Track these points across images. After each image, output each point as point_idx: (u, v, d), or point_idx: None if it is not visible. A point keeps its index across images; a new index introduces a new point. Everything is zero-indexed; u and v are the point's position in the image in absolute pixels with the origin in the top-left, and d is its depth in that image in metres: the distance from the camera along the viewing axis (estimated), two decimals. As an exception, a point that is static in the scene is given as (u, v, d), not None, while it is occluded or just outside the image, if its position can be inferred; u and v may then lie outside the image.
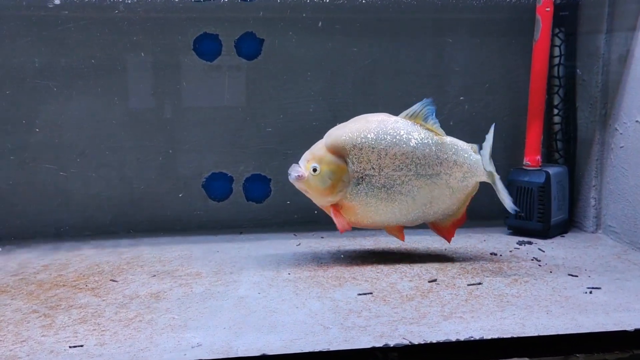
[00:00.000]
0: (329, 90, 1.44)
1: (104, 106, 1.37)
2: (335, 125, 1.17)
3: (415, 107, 1.16)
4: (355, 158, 1.13)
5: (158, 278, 1.11)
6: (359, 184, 1.13)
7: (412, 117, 1.16)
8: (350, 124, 1.15)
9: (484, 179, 1.17)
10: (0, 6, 1.30)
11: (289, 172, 1.13)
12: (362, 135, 1.12)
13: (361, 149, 1.12)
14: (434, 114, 1.16)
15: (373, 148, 1.12)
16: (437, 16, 1.44)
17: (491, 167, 1.16)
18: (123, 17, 1.34)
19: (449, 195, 1.18)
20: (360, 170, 1.13)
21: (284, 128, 1.43)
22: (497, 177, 1.16)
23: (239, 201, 1.45)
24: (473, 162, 1.17)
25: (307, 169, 1.13)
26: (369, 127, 1.13)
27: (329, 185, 1.13)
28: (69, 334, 0.87)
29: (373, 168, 1.13)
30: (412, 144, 1.14)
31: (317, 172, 1.12)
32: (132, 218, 1.41)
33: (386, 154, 1.13)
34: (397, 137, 1.13)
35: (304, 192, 1.16)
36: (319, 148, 1.14)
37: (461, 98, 1.46)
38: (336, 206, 1.16)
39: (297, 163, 1.15)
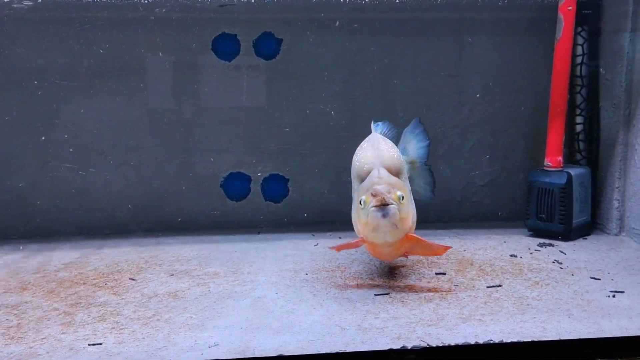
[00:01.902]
0: (347, 90, 1.43)
1: (123, 106, 1.38)
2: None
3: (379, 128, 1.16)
4: (403, 173, 1.08)
5: (176, 277, 1.11)
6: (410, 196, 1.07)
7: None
8: (380, 145, 1.07)
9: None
10: (23, 7, 1.32)
11: (381, 217, 0.96)
12: (396, 150, 1.10)
13: (402, 163, 1.09)
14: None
15: (403, 159, 1.11)
16: (456, 15, 1.43)
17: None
18: (142, 18, 1.35)
19: None
20: (407, 183, 1.09)
21: (302, 128, 1.43)
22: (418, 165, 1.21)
23: (257, 201, 1.45)
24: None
25: (396, 201, 0.97)
26: (388, 143, 1.10)
27: (412, 205, 1.03)
28: (88, 332, 0.88)
29: (407, 178, 1.11)
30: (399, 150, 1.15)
31: (404, 199, 0.99)
32: (151, 217, 1.42)
33: (404, 162, 1.12)
34: (396, 146, 1.14)
35: (390, 235, 0.98)
36: (386, 175, 1.00)
37: (477, 96, 1.45)
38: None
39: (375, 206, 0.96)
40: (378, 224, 0.97)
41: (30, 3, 1.31)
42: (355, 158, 1.10)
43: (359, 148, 1.12)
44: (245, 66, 1.40)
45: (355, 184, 1.09)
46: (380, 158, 1.04)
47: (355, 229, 1.11)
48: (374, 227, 0.97)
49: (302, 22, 1.40)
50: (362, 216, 0.99)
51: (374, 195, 0.97)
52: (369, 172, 1.02)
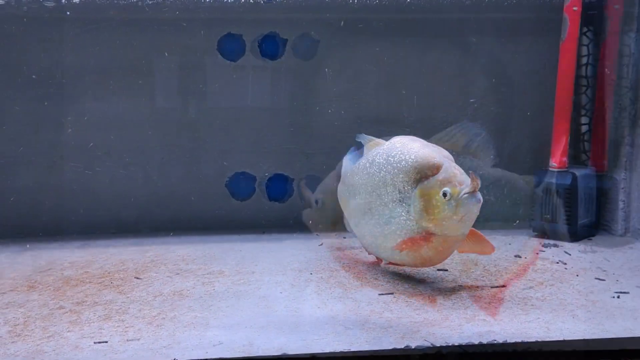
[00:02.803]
0: (352, 90, 1.43)
1: (129, 106, 1.39)
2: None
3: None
4: None
5: (181, 276, 1.12)
6: None
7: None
8: (426, 143, 1.05)
9: None
10: (30, 7, 1.33)
11: (478, 197, 0.95)
12: None
13: None
14: None
15: None
16: (462, 16, 1.43)
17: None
18: (148, 18, 1.36)
19: None
20: None
21: (307, 128, 1.43)
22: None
23: (261, 201, 1.45)
24: None
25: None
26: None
27: None
28: (94, 330, 0.88)
29: None
30: None
31: None
32: (156, 216, 1.43)
33: None
34: None
35: (469, 226, 0.98)
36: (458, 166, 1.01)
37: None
38: None
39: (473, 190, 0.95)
40: (472, 210, 0.94)
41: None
42: (402, 157, 1.01)
43: (400, 151, 1.03)
44: (251, 66, 1.41)
45: (403, 187, 1.01)
46: (440, 152, 1.02)
47: (379, 249, 1.08)
48: (466, 216, 0.94)
49: (308, 22, 1.40)
50: (447, 209, 0.95)
51: (472, 180, 0.93)
52: (437, 167, 0.98)
